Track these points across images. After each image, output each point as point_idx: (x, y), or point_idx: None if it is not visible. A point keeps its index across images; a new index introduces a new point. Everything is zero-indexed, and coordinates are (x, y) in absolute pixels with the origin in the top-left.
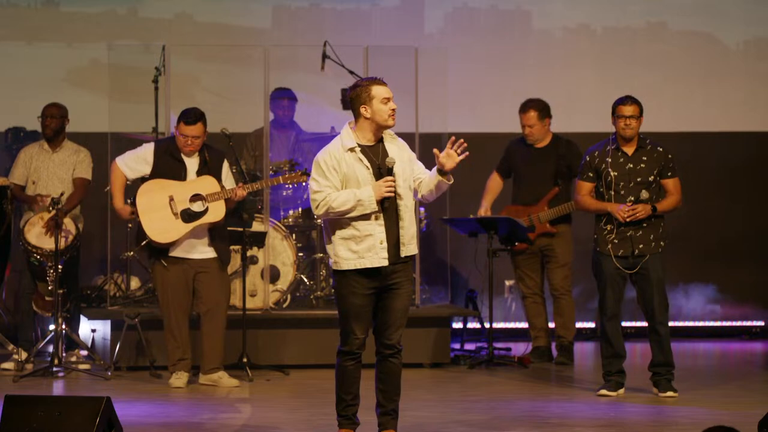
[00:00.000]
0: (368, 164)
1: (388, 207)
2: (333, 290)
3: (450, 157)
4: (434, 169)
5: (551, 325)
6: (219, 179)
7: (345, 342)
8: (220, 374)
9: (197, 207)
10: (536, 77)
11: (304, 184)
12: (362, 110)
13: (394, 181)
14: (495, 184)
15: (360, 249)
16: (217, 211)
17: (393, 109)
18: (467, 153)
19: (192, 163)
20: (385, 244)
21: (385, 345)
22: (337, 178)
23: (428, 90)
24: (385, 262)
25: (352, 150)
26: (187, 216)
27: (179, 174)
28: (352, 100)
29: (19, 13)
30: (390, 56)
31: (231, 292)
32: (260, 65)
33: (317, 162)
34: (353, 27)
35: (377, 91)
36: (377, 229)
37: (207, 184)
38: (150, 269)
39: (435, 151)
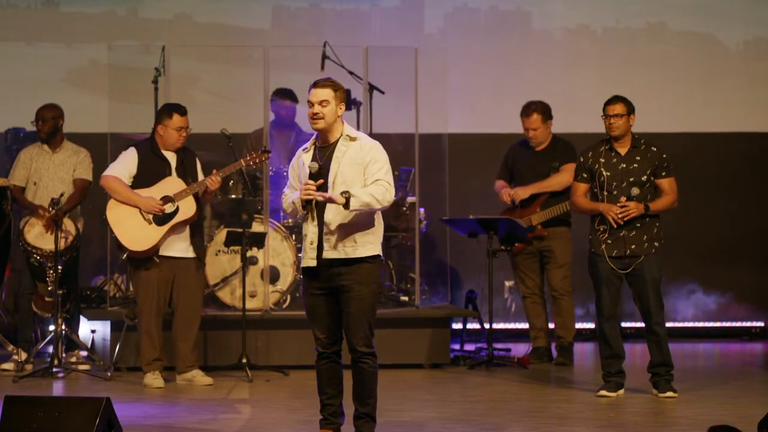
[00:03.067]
0: (308, 165)
1: (317, 209)
2: None
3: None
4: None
5: (551, 325)
6: (196, 177)
7: (315, 342)
8: (194, 373)
9: (168, 208)
10: (536, 77)
11: (266, 161)
12: None
13: (314, 186)
14: (502, 184)
15: (302, 248)
16: (188, 208)
17: (314, 113)
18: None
19: (172, 160)
20: (314, 245)
21: (350, 348)
22: (295, 177)
23: (428, 90)
24: (313, 263)
25: (305, 151)
26: (160, 219)
27: (164, 171)
28: None
29: (19, 13)
30: (390, 56)
31: (231, 292)
32: (260, 66)
33: None
34: (353, 27)
35: (309, 93)
36: (312, 230)
37: (172, 185)
38: (129, 268)
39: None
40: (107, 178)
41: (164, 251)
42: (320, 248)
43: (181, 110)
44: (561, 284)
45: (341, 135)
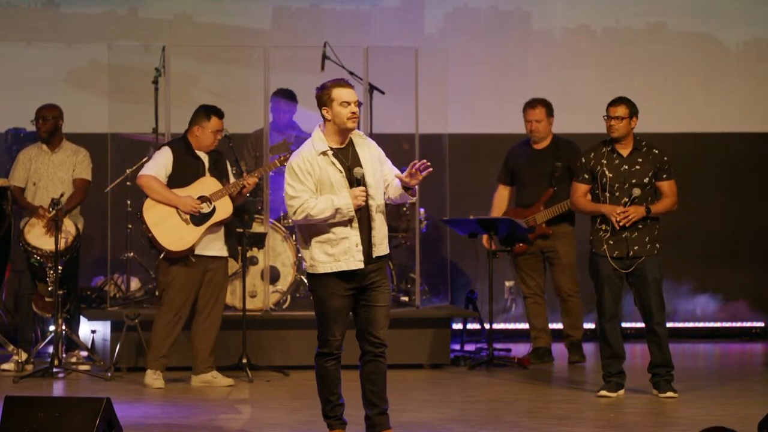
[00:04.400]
0: (341, 167)
1: (361, 211)
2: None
3: (413, 176)
4: (399, 183)
5: (559, 326)
6: (228, 179)
7: (324, 344)
8: (214, 374)
9: (204, 208)
10: (536, 78)
11: None
12: (324, 112)
13: (366, 191)
14: (500, 198)
15: (336, 252)
16: (224, 208)
17: (353, 113)
18: (431, 170)
19: (206, 160)
20: (360, 247)
21: (373, 343)
22: (312, 182)
23: (428, 90)
24: (361, 265)
25: (324, 153)
26: (198, 219)
27: (198, 171)
28: (317, 101)
29: (19, 13)
30: (390, 57)
31: (231, 292)
32: (260, 66)
33: (290, 167)
34: (353, 27)
35: (338, 93)
36: (352, 232)
37: (207, 185)
38: (161, 264)
39: (398, 176)
40: (144, 177)
41: (199, 250)
42: (366, 249)
43: (219, 113)
44: (569, 285)
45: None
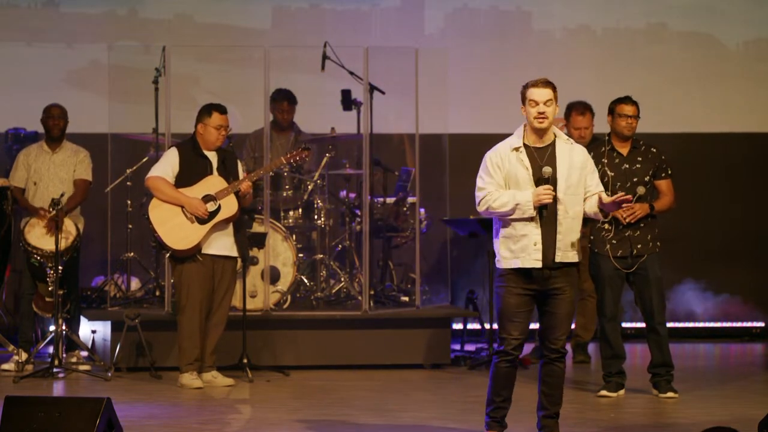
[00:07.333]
0: (528, 165)
1: (547, 212)
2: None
3: (615, 204)
4: (597, 200)
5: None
6: (237, 177)
7: (501, 341)
8: (214, 374)
9: (210, 207)
10: (536, 78)
11: (306, 159)
12: (522, 111)
13: (553, 190)
14: None
15: (516, 249)
16: (230, 206)
17: (540, 113)
18: (630, 204)
19: (214, 159)
20: (539, 246)
21: (549, 349)
22: (501, 175)
23: (428, 91)
24: (538, 264)
25: (516, 149)
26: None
27: (206, 170)
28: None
29: (19, 13)
30: (390, 57)
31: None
32: (260, 66)
33: (485, 159)
34: (353, 28)
35: (530, 93)
36: (533, 230)
37: (213, 184)
38: (172, 266)
39: (601, 194)
40: (152, 178)
41: (207, 249)
42: (548, 251)
43: (221, 108)
44: (592, 285)
45: (554, 136)
